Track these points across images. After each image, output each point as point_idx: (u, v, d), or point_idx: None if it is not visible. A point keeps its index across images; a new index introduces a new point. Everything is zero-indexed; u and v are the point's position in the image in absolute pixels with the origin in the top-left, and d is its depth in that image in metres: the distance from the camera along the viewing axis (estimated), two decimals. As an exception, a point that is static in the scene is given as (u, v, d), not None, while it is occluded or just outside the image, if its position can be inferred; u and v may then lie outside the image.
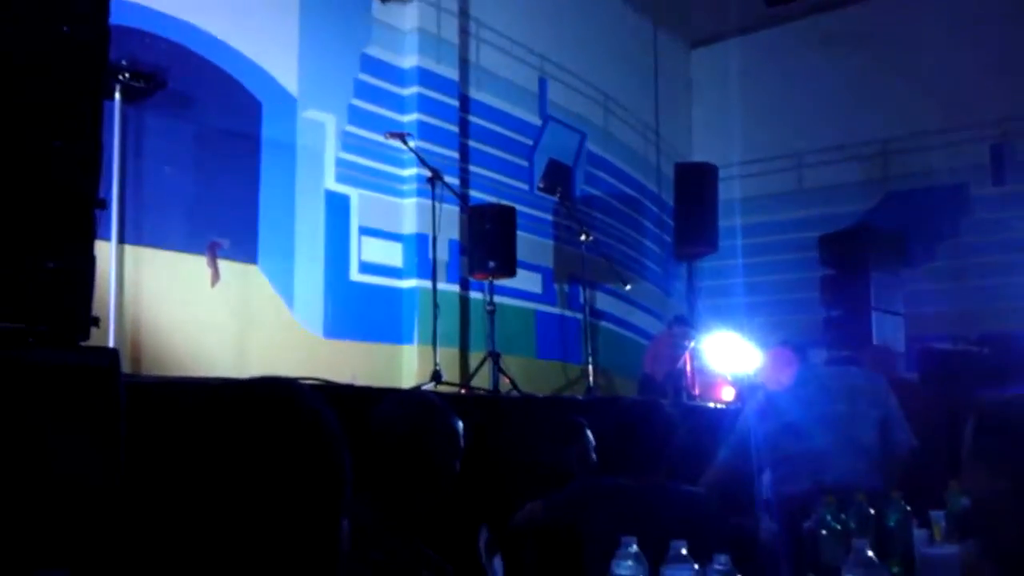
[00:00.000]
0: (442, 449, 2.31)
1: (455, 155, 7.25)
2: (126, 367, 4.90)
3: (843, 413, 4.01)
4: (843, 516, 2.56)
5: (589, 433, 3.79)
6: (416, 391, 3.84)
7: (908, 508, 2.67)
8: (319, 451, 1.15)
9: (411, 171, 6.79)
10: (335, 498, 1.15)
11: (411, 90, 7.05)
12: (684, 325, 7.85)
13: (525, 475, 3.65)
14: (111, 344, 4.65)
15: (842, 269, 7.59)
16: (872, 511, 2.63)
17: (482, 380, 6.16)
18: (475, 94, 7.72)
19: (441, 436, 2.31)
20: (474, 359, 6.73)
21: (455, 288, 7.07)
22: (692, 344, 7.00)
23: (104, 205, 2.58)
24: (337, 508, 1.15)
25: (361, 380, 5.73)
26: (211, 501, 1.10)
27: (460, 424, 2.37)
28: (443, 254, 6.71)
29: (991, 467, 1.87)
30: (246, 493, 1.10)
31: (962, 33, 8.71)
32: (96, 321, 2.49)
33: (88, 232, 2.47)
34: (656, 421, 2.97)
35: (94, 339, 2.53)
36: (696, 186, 7.54)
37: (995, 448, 1.88)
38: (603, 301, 8.70)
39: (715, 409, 6.05)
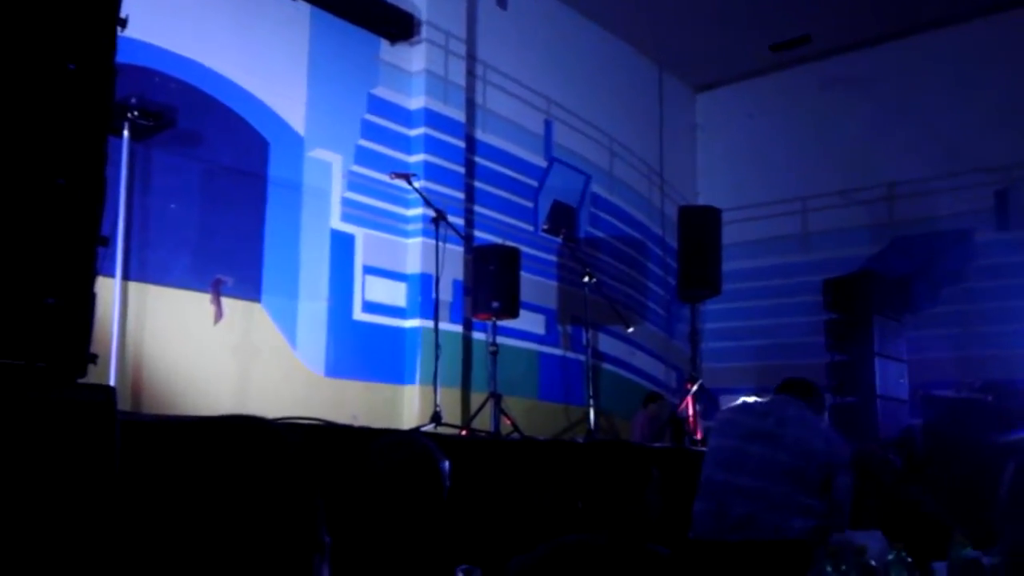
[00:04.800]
0: (424, 488, 2.51)
1: (460, 195, 7.29)
2: (127, 403, 4.91)
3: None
4: (843, 567, 2.53)
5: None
6: (405, 433, 3.86)
7: (910, 560, 2.63)
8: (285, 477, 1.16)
9: (416, 211, 6.83)
10: (308, 522, 1.16)
11: (418, 131, 7.10)
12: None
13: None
14: (112, 380, 4.65)
15: (846, 314, 7.56)
16: (873, 563, 2.60)
17: (483, 421, 6.13)
18: (481, 135, 7.78)
19: (424, 477, 2.52)
20: (476, 400, 6.70)
21: (458, 328, 7.07)
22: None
23: (107, 242, 2.58)
24: (312, 530, 1.17)
25: (361, 420, 5.74)
26: (195, 532, 1.13)
27: (447, 464, 2.57)
28: (446, 294, 6.72)
29: None
30: (222, 522, 1.13)
31: (967, 78, 8.76)
32: (94, 358, 2.48)
33: (89, 269, 2.47)
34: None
35: (96, 374, 2.52)
36: (700, 229, 7.52)
37: None
38: (606, 343, 8.69)
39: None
